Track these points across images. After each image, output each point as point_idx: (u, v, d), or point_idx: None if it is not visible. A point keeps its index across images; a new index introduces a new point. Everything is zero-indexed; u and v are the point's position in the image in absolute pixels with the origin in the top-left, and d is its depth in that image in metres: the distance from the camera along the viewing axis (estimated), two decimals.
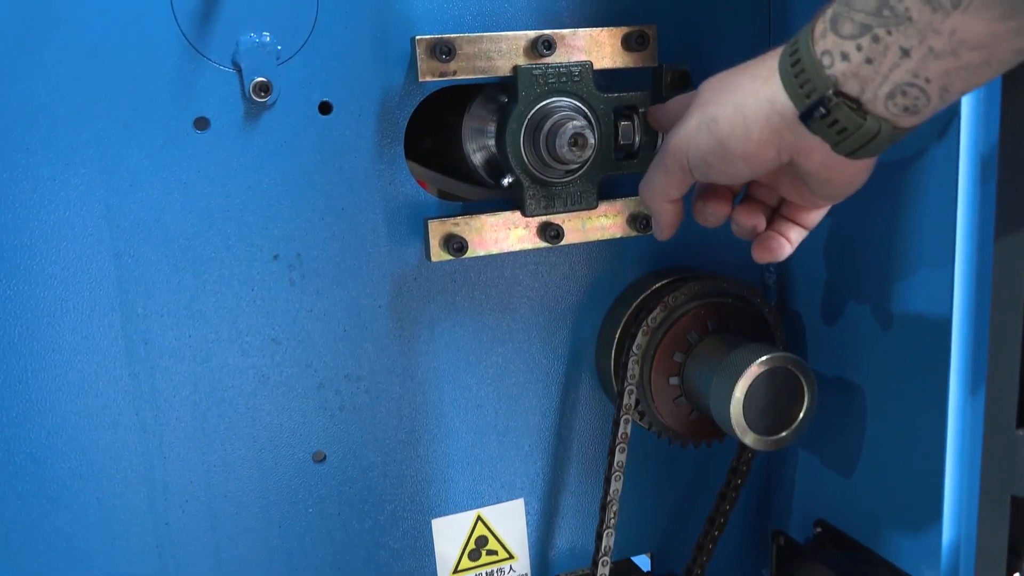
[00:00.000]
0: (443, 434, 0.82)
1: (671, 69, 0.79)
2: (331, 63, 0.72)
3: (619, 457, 0.80)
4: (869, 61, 0.51)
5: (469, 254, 0.75)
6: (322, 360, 0.77)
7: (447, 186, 0.90)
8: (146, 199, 0.70)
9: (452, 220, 0.75)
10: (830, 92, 0.53)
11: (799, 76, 0.54)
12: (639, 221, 0.79)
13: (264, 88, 0.70)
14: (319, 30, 0.71)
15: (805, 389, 0.74)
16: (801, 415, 0.74)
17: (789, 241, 0.67)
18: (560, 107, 0.73)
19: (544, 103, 0.73)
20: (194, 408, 0.74)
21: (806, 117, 0.54)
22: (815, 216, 0.67)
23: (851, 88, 0.52)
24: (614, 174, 0.77)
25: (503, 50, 0.72)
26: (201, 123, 0.70)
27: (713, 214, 0.68)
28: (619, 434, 0.79)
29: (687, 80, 0.79)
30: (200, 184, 0.71)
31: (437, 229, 0.75)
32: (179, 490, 0.75)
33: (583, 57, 0.74)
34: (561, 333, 0.83)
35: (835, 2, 0.53)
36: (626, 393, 0.79)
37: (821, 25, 0.53)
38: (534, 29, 0.75)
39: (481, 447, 0.83)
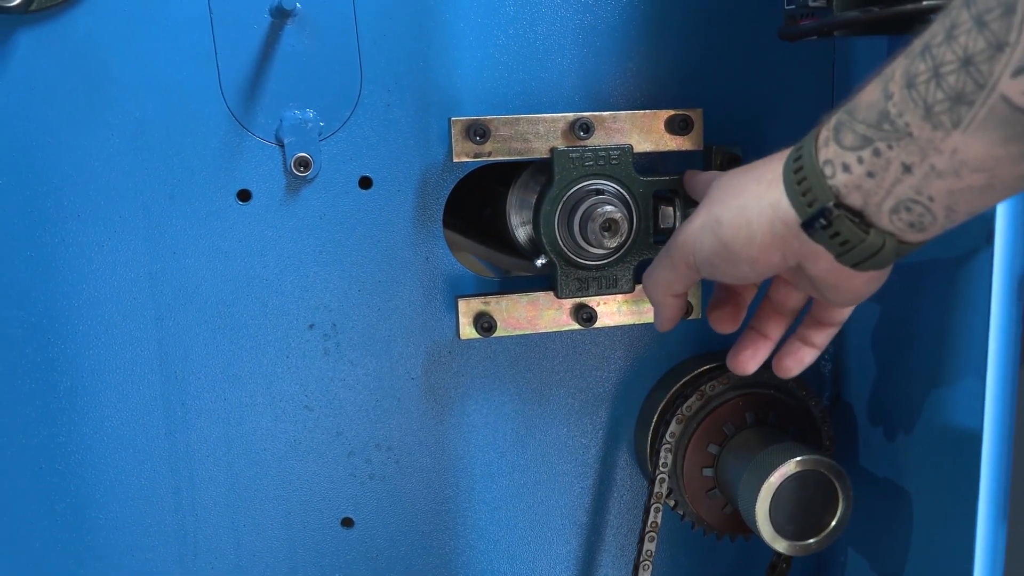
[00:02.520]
0: (472, 508, 0.82)
1: (721, 151, 0.77)
2: (372, 140, 0.73)
3: (648, 546, 0.78)
4: (871, 175, 0.49)
5: (499, 333, 0.75)
6: (353, 428, 0.78)
7: (490, 258, 0.91)
8: (188, 267, 0.73)
9: (483, 299, 0.75)
10: (831, 204, 0.51)
11: (801, 184, 0.52)
12: None
13: (305, 163, 0.72)
14: (361, 108, 0.73)
15: (840, 495, 0.71)
16: (834, 523, 0.71)
17: (814, 346, 0.64)
18: (596, 191, 0.72)
19: (580, 186, 0.72)
20: (227, 469, 0.77)
21: (808, 227, 0.52)
22: (841, 314, 0.64)
23: (854, 200, 0.51)
24: (653, 258, 0.75)
25: (540, 132, 0.72)
26: (243, 195, 0.73)
27: (720, 327, 0.67)
28: (649, 522, 0.77)
29: (737, 163, 0.77)
30: (240, 254, 0.73)
31: (467, 307, 0.75)
32: (209, 548, 0.78)
33: (624, 140, 0.74)
34: (598, 414, 0.82)
35: (839, 110, 0.51)
36: (657, 481, 0.77)
37: (825, 132, 0.52)
38: (578, 111, 0.74)
39: (511, 524, 0.83)
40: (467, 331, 0.75)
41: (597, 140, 0.73)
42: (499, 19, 0.74)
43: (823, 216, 0.51)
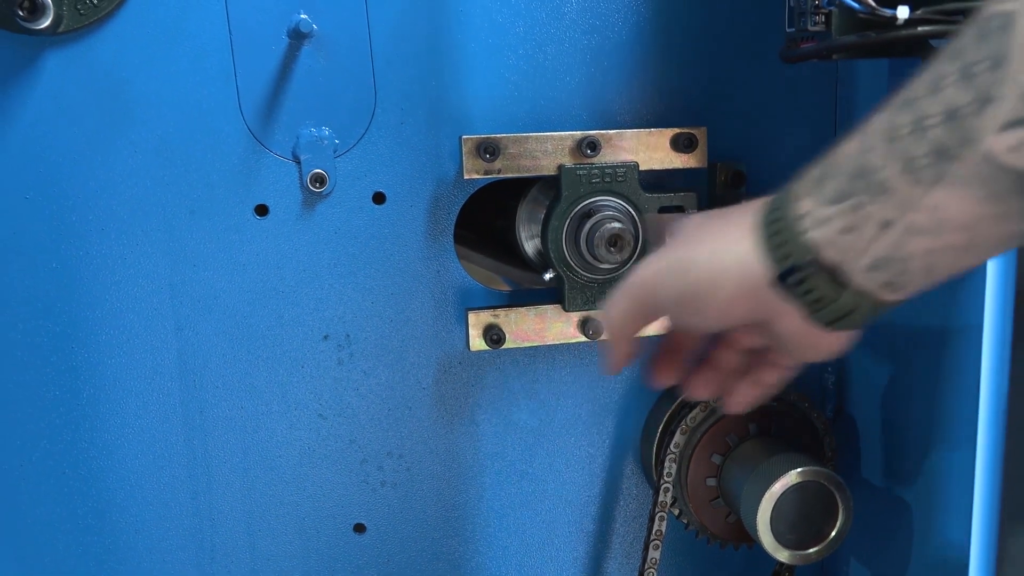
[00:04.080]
0: (482, 515, 0.84)
1: (726, 168, 0.79)
2: (386, 157, 0.76)
3: (653, 554, 0.79)
4: (848, 230, 0.47)
5: (507, 345, 0.77)
6: (366, 437, 0.80)
7: (499, 271, 0.93)
8: (207, 279, 0.75)
9: (492, 311, 0.77)
10: (808, 259, 0.48)
11: (775, 236, 0.49)
12: None
13: (320, 180, 0.74)
14: (375, 126, 0.75)
15: (840, 506, 0.72)
16: (834, 533, 0.72)
17: (766, 386, 0.61)
18: (602, 207, 0.74)
19: (587, 202, 0.74)
20: (243, 475, 0.79)
21: (780, 281, 0.50)
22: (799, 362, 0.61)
23: (829, 256, 0.48)
24: None
25: (548, 150, 0.74)
26: (261, 210, 0.75)
27: (658, 380, 0.64)
28: (654, 531, 0.79)
29: (742, 179, 0.79)
30: (257, 266, 0.76)
31: (477, 319, 0.77)
32: (225, 552, 0.80)
33: (630, 157, 0.76)
34: (604, 425, 0.84)
35: (821, 160, 0.49)
36: (662, 490, 0.79)
37: (804, 185, 0.49)
38: (585, 129, 0.76)
39: (519, 531, 0.84)
40: (477, 343, 0.77)
41: (604, 157, 0.75)
42: (509, 40, 0.76)
43: (796, 271, 0.49)
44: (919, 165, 0.44)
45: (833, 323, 0.50)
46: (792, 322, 0.51)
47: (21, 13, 0.67)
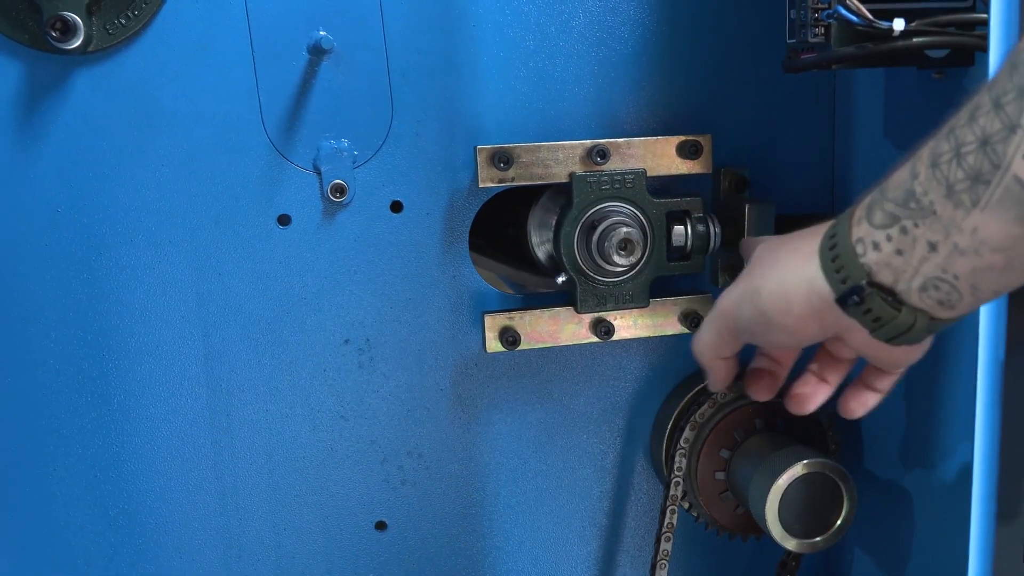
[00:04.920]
0: (498, 511, 0.86)
1: (730, 173, 0.82)
2: (403, 167, 0.79)
3: (665, 546, 0.82)
4: (899, 252, 0.51)
5: (523, 347, 0.80)
6: (386, 437, 0.83)
7: (511, 275, 0.95)
8: (232, 287, 0.78)
9: (508, 314, 0.80)
10: (864, 281, 0.53)
11: (835, 261, 0.54)
12: (690, 319, 0.82)
13: (340, 190, 0.77)
14: (392, 137, 0.78)
15: (844, 496, 0.75)
16: (839, 522, 0.75)
17: (878, 391, 0.67)
18: (612, 212, 0.77)
19: (597, 208, 0.77)
20: (268, 475, 0.82)
21: (842, 303, 0.54)
22: (899, 367, 0.65)
23: (885, 278, 0.52)
24: (666, 274, 0.80)
25: (560, 159, 0.77)
26: (283, 220, 0.78)
27: (756, 394, 0.72)
28: (665, 523, 0.82)
29: (744, 184, 0.82)
30: (281, 274, 0.78)
31: (493, 322, 0.80)
32: (252, 550, 0.83)
33: (638, 165, 0.79)
34: (616, 422, 0.87)
35: (875, 187, 0.53)
36: (672, 484, 0.82)
37: (859, 211, 0.53)
38: (595, 137, 0.79)
39: (535, 525, 0.87)
40: (493, 345, 0.80)
41: (613, 165, 0.78)
42: (520, 53, 0.79)
43: (856, 293, 0.53)
44: (958, 189, 0.47)
45: (894, 339, 0.54)
46: (862, 336, 0.56)
47: (54, 34, 0.69)
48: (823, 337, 0.59)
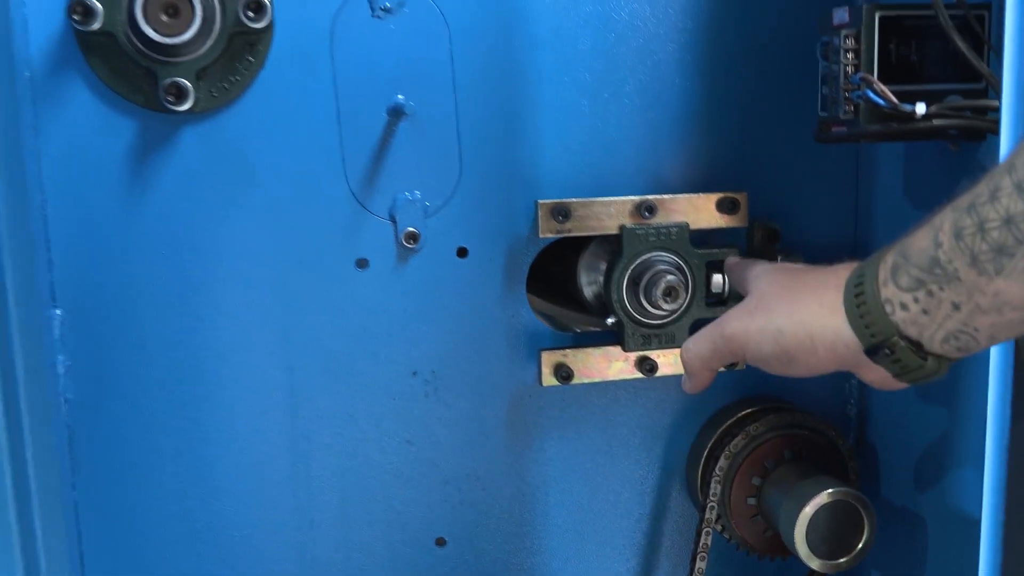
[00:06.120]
0: (547, 530, 0.95)
1: (762, 227, 0.90)
2: (469, 216, 0.87)
3: (699, 564, 0.90)
4: (925, 312, 0.57)
5: (575, 381, 0.89)
6: (448, 460, 0.91)
7: (559, 314, 1.04)
8: (314, 323, 0.86)
9: (562, 351, 0.88)
10: (895, 337, 0.59)
11: (864, 317, 0.60)
12: None
13: (414, 237, 0.86)
14: (460, 190, 0.87)
15: (865, 522, 0.83)
16: (860, 545, 0.83)
17: None
18: (658, 262, 0.86)
19: (645, 258, 0.86)
20: (341, 494, 0.90)
21: (871, 353, 0.61)
22: None
23: (911, 332, 0.59)
24: (705, 318, 0.89)
25: (612, 212, 0.86)
26: (362, 263, 0.86)
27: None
28: (700, 544, 0.90)
29: (776, 236, 0.90)
30: (358, 313, 0.87)
31: (549, 359, 0.88)
32: (323, 562, 0.90)
33: (681, 218, 0.87)
34: (655, 448, 0.95)
35: (893, 251, 0.59)
36: (708, 508, 0.90)
37: (883, 273, 0.59)
38: (641, 192, 0.88)
39: (580, 543, 0.95)
40: (549, 379, 0.88)
41: (659, 219, 0.87)
42: (576, 116, 0.88)
43: (887, 347, 0.59)
44: (983, 260, 0.53)
45: (915, 381, 0.62)
46: (878, 376, 0.63)
47: (169, 98, 0.78)
48: (836, 370, 0.66)
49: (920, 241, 0.57)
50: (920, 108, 0.70)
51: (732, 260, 0.86)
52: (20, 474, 0.60)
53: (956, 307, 0.56)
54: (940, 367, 0.61)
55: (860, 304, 0.61)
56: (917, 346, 0.59)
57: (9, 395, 0.60)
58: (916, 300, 0.57)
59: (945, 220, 0.56)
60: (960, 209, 0.55)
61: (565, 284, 0.98)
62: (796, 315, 0.65)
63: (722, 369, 0.78)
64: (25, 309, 0.63)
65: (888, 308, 0.59)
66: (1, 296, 0.61)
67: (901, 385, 0.64)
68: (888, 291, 0.59)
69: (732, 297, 0.88)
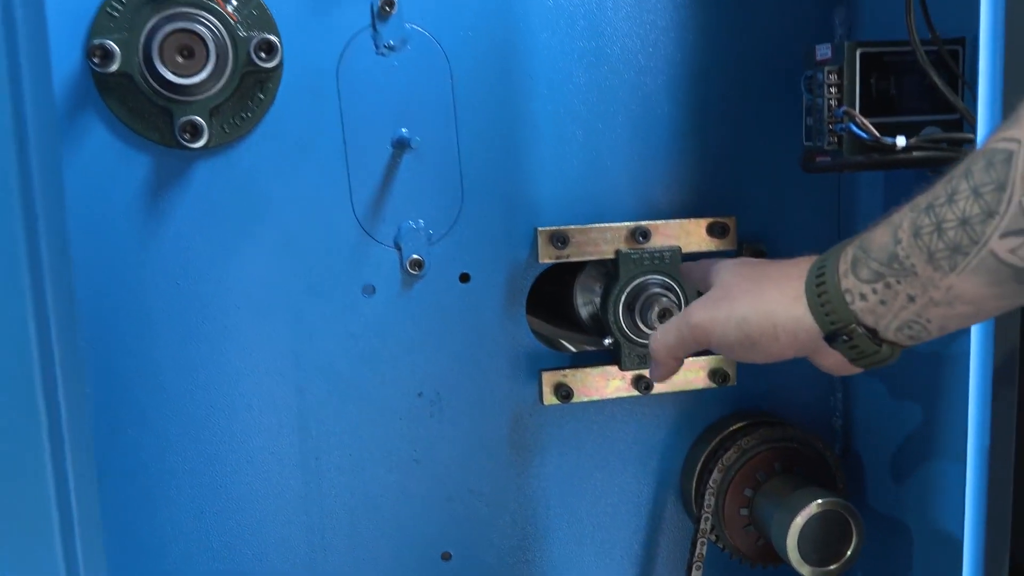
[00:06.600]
0: (548, 542, 0.98)
1: (750, 248, 0.95)
2: (470, 243, 0.91)
3: (695, 574, 0.94)
4: (883, 303, 0.62)
5: (575, 400, 0.92)
6: (452, 477, 0.95)
7: (553, 333, 1.08)
8: (323, 347, 0.90)
9: (562, 372, 0.92)
10: (853, 324, 0.63)
11: (824, 306, 0.64)
12: (718, 375, 0.95)
13: (418, 264, 0.90)
14: (462, 218, 0.90)
15: (854, 530, 0.88)
16: (849, 552, 0.88)
17: None
18: (653, 284, 0.90)
19: (640, 280, 0.90)
20: (350, 511, 0.93)
21: (830, 339, 0.65)
22: None
23: (868, 321, 0.63)
24: None
25: (608, 238, 0.90)
26: (368, 289, 0.90)
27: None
28: (696, 553, 0.94)
29: (763, 256, 0.95)
30: (365, 336, 0.91)
31: (549, 379, 0.92)
32: None
33: (674, 242, 0.91)
34: (651, 462, 0.99)
35: (853, 245, 0.63)
36: (702, 519, 0.94)
37: (844, 265, 0.63)
38: (634, 218, 0.92)
39: (580, 555, 0.99)
40: (550, 398, 0.92)
41: (653, 243, 0.91)
42: (571, 146, 0.92)
43: (845, 333, 0.64)
44: (939, 257, 0.57)
45: (868, 366, 0.66)
46: (832, 360, 0.68)
47: (185, 136, 0.82)
48: (795, 356, 0.69)
49: (880, 237, 0.61)
50: (900, 141, 0.75)
51: (687, 264, 0.89)
52: (64, 504, 0.64)
53: (911, 299, 0.60)
54: (893, 353, 0.65)
55: (821, 293, 0.64)
56: (873, 333, 0.63)
57: (53, 423, 0.64)
58: (875, 291, 0.61)
59: (904, 219, 0.60)
60: (919, 209, 0.59)
61: (560, 303, 1.02)
62: (760, 304, 0.68)
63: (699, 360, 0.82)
64: (67, 339, 0.66)
65: (848, 298, 0.63)
66: (44, 327, 0.64)
67: (856, 370, 0.68)
68: (848, 282, 0.63)
69: None
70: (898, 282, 0.60)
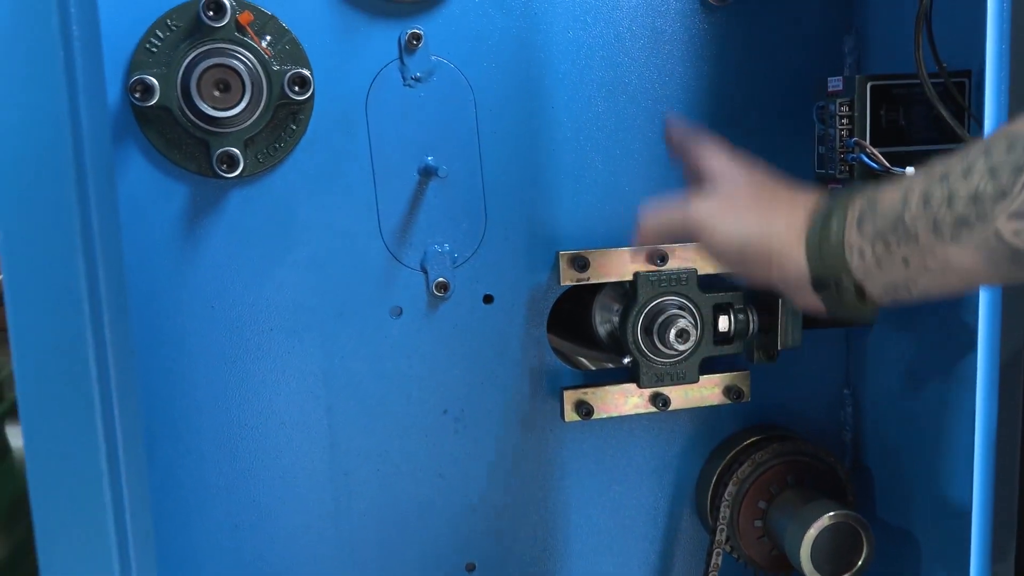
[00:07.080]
0: (568, 553, 1.02)
1: None
2: (494, 266, 0.94)
3: None
4: (878, 262, 0.63)
5: (595, 416, 0.96)
6: (476, 492, 0.98)
7: (572, 351, 1.11)
8: (352, 367, 0.93)
9: (582, 390, 0.96)
10: (844, 276, 0.64)
11: (824, 257, 0.65)
12: (732, 392, 0.98)
13: (443, 287, 0.93)
14: (486, 242, 0.94)
15: (864, 541, 0.91)
16: (860, 562, 0.91)
17: None
18: (670, 305, 0.93)
19: (657, 301, 0.93)
20: (378, 524, 0.97)
21: (818, 286, 0.66)
22: None
23: (858, 276, 0.64)
24: (713, 355, 0.96)
25: (626, 261, 0.93)
26: (396, 311, 0.93)
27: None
28: (711, 564, 0.98)
29: None
30: (393, 356, 0.94)
31: (571, 396, 0.95)
32: None
33: (690, 265, 0.95)
34: (668, 476, 1.03)
35: (862, 198, 0.64)
36: (718, 531, 0.97)
37: (851, 218, 0.64)
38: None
39: (598, 565, 1.03)
40: (571, 415, 0.96)
41: (670, 265, 0.94)
42: (590, 173, 0.95)
43: (836, 284, 0.65)
44: (943, 227, 0.58)
45: (842, 315, 0.68)
46: (808, 298, 0.69)
47: (223, 167, 0.85)
48: (775, 285, 0.71)
49: (889, 198, 0.62)
50: (910, 171, 0.78)
51: (678, 129, 0.86)
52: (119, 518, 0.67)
53: (906, 263, 0.61)
54: (872, 308, 0.66)
55: (823, 240, 0.65)
56: (859, 288, 0.65)
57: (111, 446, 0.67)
58: (873, 250, 0.63)
59: (916, 184, 0.61)
60: (933, 178, 0.60)
61: (578, 321, 1.06)
62: (764, 229, 0.70)
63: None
64: (119, 357, 0.70)
65: (848, 252, 0.64)
66: (101, 346, 0.68)
67: (823, 311, 0.69)
68: (852, 238, 0.64)
69: (737, 335, 0.96)
70: (897, 245, 0.61)
